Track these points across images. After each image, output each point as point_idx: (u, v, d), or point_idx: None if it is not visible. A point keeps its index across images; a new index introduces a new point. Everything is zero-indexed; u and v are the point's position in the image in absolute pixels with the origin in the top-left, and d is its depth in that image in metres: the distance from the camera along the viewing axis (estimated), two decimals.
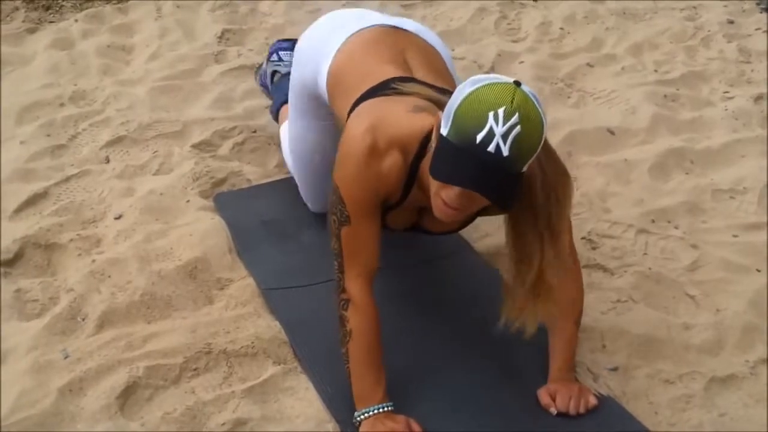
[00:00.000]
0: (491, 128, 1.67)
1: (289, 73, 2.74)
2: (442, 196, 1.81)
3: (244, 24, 3.98)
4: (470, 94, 1.72)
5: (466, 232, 2.54)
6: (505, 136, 1.67)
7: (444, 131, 1.75)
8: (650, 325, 2.37)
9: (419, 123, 1.90)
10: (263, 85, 3.21)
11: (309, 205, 2.75)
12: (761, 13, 4.18)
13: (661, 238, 2.73)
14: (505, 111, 1.67)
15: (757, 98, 3.47)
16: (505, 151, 1.67)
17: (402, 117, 1.98)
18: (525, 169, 1.74)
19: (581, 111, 3.41)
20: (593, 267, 2.59)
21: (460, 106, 1.72)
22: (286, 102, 2.80)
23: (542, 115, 1.72)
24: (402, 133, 1.93)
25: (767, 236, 2.74)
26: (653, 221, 2.80)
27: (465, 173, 1.72)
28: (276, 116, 3.01)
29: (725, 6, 4.24)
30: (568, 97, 3.50)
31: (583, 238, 2.69)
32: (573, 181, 1.95)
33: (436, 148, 1.78)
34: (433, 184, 1.82)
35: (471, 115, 1.70)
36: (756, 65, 3.74)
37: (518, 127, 1.67)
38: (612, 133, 3.25)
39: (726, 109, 3.41)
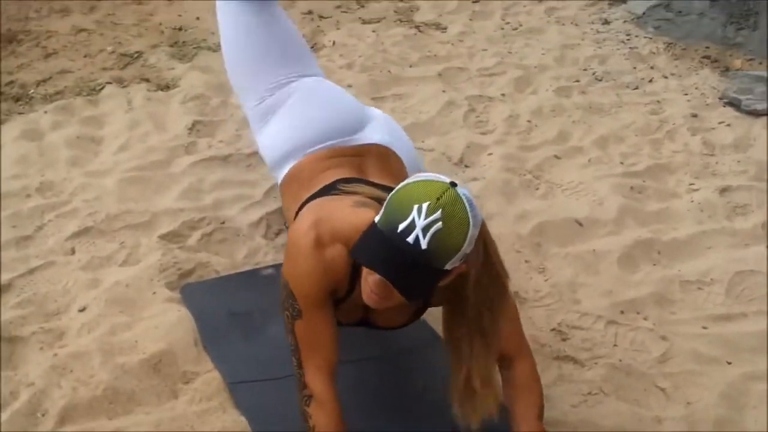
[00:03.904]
0: (413, 220, 1.72)
1: None
2: (368, 281, 1.85)
3: (215, 116, 4.00)
4: (405, 185, 1.80)
5: (434, 323, 2.52)
6: (425, 230, 1.72)
7: (377, 218, 1.81)
8: (621, 419, 2.36)
9: (361, 217, 1.94)
10: None
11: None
12: (724, 107, 4.26)
13: (630, 329, 2.72)
14: (428, 206, 1.72)
15: (722, 190, 3.51)
16: (424, 244, 1.72)
17: (345, 212, 2.06)
18: (449, 266, 1.78)
19: (549, 202, 3.43)
20: (563, 359, 2.58)
21: (392, 195, 1.80)
22: None
23: (470, 218, 1.75)
24: (345, 227, 1.99)
25: (736, 328, 2.74)
26: (622, 312, 2.80)
27: (380, 257, 1.77)
28: None
29: (689, 101, 4.33)
30: (537, 189, 3.53)
31: (553, 329, 2.68)
32: (510, 293, 2.03)
33: (365, 231, 1.82)
34: (364, 270, 1.87)
35: (398, 206, 1.76)
36: (720, 158, 3.80)
37: (439, 224, 1.72)
38: (580, 224, 3.27)
39: (692, 201, 3.45)
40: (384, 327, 2.23)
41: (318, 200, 2.20)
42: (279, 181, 2.55)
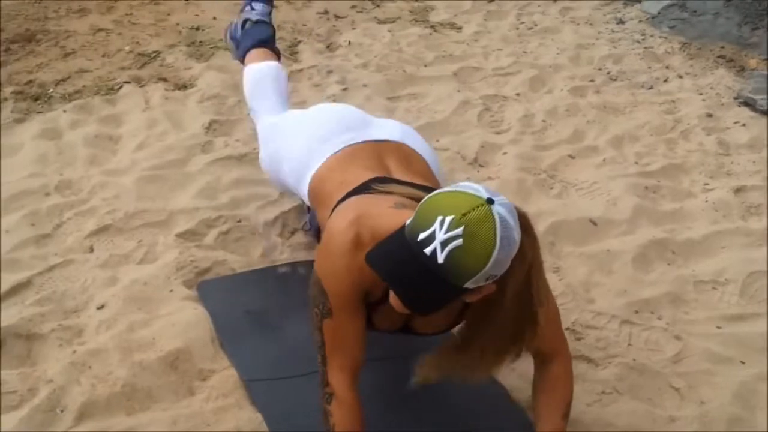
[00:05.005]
0: (434, 232, 1.66)
1: (260, 21, 3.16)
2: None
3: (232, 115, 4.02)
4: (438, 194, 1.74)
5: None
6: (444, 244, 1.65)
7: (407, 222, 1.76)
8: (635, 418, 2.37)
9: (402, 219, 1.84)
10: (233, 39, 3.25)
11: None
12: (739, 107, 4.26)
13: (644, 329, 2.73)
14: (452, 220, 1.65)
15: (737, 190, 3.52)
16: (440, 259, 1.66)
17: (385, 212, 1.98)
18: (471, 285, 1.70)
19: (564, 201, 3.44)
20: (578, 358, 2.59)
21: (424, 201, 1.74)
22: (255, 46, 3.10)
23: (497, 240, 1.66)
24: (385, 228, 1.87)
25: (750, 328, 2.75)
26: (637, 312, 2.80)
27: (391, 263, 1.73)
28: (243, 60, 3.15)
29: (703, 100, 4.33)
30: (551, 188, 3.54)
31: (567, 328, 2.69)
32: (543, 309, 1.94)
33: (390, 234, 1.78)
34: None
35: (425, 214, 1.71)
36: (735, 158, 3.80)
37: (459, 241, 1.65)
38: (594, 223, 3.28)
39: (706, 201, 3.45)
40: (425, 333, 2.17)
41: (356, 197, 2.11)
42: (306, 194, 2.43)
